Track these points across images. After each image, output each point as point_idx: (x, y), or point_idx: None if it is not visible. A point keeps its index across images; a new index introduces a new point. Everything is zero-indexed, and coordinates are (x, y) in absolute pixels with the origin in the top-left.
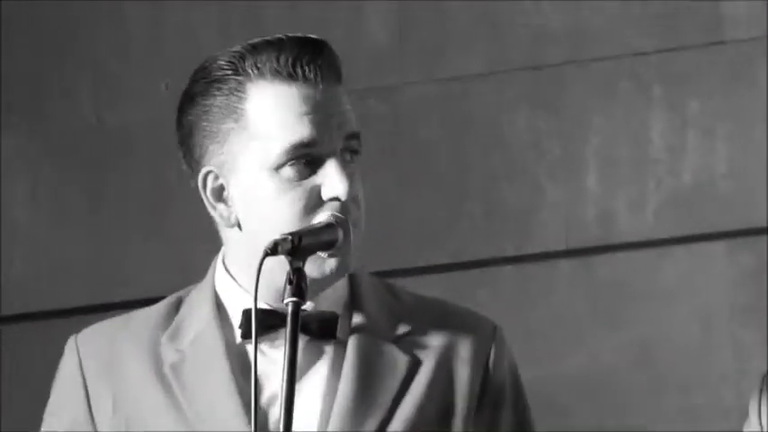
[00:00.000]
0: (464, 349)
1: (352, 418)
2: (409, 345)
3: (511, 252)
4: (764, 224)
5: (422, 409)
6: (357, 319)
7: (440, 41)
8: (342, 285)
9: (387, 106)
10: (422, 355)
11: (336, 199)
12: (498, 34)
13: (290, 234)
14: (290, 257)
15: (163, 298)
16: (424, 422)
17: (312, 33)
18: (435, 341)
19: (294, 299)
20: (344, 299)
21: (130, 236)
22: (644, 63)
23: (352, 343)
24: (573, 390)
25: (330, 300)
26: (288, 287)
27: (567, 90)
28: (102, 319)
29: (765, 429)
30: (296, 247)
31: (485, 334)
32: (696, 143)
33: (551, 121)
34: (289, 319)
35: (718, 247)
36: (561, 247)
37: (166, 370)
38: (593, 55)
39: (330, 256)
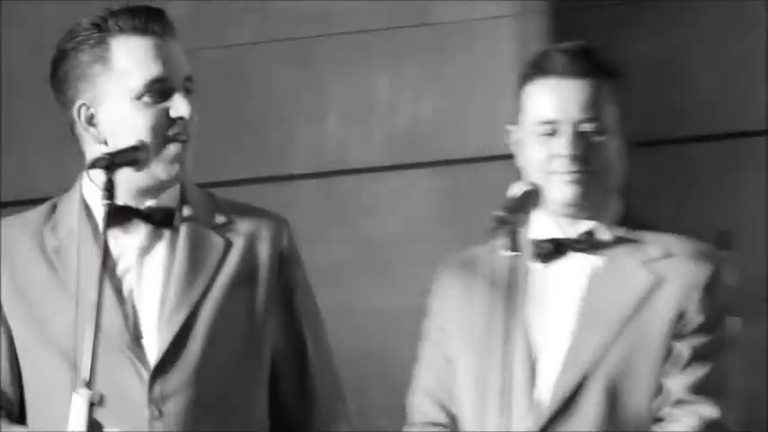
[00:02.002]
0: (265, 234)
1: (184, 282)
2: (224, 231)
3: (270, 173)
4: (456, 157)
5: (234, 278)
6: (186, 212)
7: (223, 15)
8: (175, 189)
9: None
10: (234, 238)
11: (181, 118)
12: (266, 13)
13: (107, 153)
14: (106, 170)
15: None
16: (235, 287)
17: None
18: (243, 229)
19: (108, 201)
20: (177, 199)
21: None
22: (373, 37)
23: (183, 230)
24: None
25: (167, 198)
26: (104, 192)
27: (317, 57)
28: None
29: (449, 324)
30: (111, 162)
31: (279, 224)
32: (410, 98)
33: (305, 80)
34: (104, 216)
35: (422, 173)
36: (310, 170)
37: (50, 252)
38: (337, 30)
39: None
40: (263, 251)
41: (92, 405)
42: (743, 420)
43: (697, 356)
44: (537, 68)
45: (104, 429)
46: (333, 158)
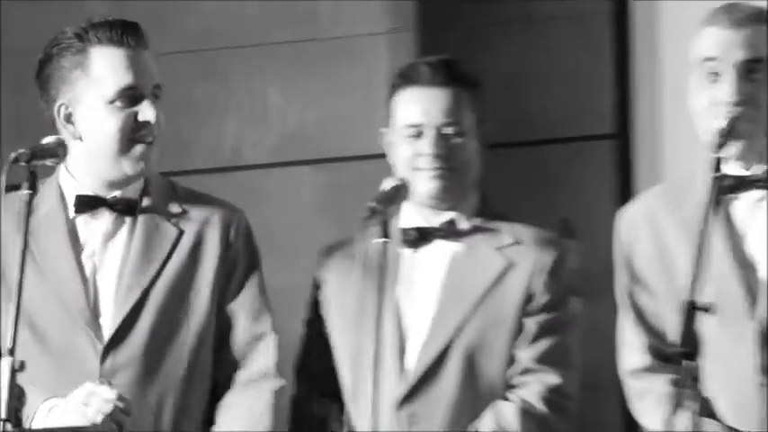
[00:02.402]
0: (215, 222)
1: (138, 267)
2: (178, 220)
3: (176, 168)
4: (337, 155)
5: (183, 264)
6: (146, 202)
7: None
8: (139, 181)
9: None
10: (186, 227)
11: (148, 122)
12: (179, 28)
13: (30, 148)
14: (29, 164)
15: None
16: (185, 271)
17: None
18: (196, 217)
19: (30, 191)
20: (140, 190)
21: None
22: (268, 50)
23: (140, 219)
24: None
25: (131, 190)
26: (26, 183)
27: (219, 68)
28: None
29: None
30: (32, 156)
31: (230, 213)
32: (298, 104)
33: (208, 87)
34: (24, 209)
35: (307, 169)
36: (209, 165)
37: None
38: (237, 44)
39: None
40: (212, 238)
41: (14, 371)
42: (581, 385)
43: (543, 331)
44: (405, 79)
45: (107, 385)
46: (229, 156)
